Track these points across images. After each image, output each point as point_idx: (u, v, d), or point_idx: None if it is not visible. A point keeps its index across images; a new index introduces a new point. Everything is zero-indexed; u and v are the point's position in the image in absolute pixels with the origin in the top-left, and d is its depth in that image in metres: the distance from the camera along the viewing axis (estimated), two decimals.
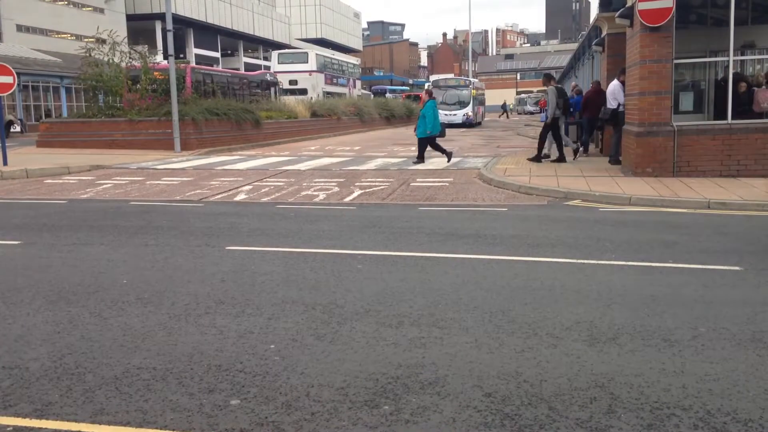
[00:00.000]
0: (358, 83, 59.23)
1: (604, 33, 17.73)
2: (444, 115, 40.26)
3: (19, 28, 44.36)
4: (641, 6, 11.59)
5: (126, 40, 27.44)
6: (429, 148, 16.58)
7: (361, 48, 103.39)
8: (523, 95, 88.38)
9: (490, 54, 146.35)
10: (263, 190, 12.13)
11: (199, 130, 22.42)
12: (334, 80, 49.89)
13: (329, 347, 4.12)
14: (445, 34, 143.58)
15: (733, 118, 11.95)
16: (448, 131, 35.55)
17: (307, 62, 45.54)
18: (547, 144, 16.10)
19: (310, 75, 44.68)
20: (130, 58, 23.62)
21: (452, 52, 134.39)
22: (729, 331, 4.34)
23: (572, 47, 52.52)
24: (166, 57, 21.67)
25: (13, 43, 42.63)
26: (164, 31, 21.77)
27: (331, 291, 5.36)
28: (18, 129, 37.08)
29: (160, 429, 3.12)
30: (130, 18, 53.78)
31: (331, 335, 4.32)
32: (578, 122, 19.02)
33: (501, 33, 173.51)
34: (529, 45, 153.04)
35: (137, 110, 22.75)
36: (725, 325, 4.45)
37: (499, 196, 11.02)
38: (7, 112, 35.24)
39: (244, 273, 5.99)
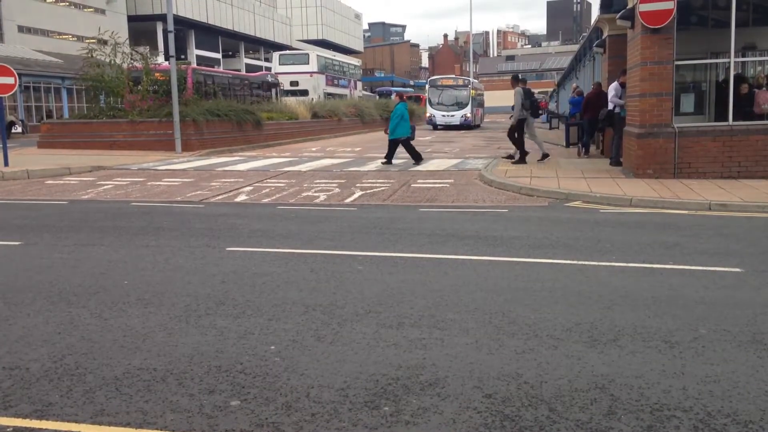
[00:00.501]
0: (359, 84, 59.25)
1: (605, 34, 17.74)
2: (441, 117, 39.48)
3: (21, 29, 44.42)
4: (642, 7, 11.59)
5: (127, 41, 27.46)
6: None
7: (362, 49, 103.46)
8: None
9: (491, 55, 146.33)
10: (264, 191, 12.13)
11: (200, 131, 22.44)
12: (335, 81, 49.90)
13: (329, 348, 4.12)
14: (446, 36, 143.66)
15: (733, 120, 11.96)
16: (447, 133, 35.36)
17: (308, 63, 45.52)
18: (526, 142, 16.44)
19: (311, 76, 44.67)
20: (131, 59, 23.64)
21: (453, 54, 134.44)
22: (729, 332, 4.34)
23: (573, 49, 52.58)
24: (167, 58, 21.67)
25: (14, 44, 42.68)
26: (165, 32, 21.74)
27: (331, 292, 5.37)
28: (19, 130, 37.10)
29: (161, 430, 3.12)
30: (132, 19, 53.87)
31: (332, 336, 4.33)
32: (579, 123, 19.06)
33: (502, 34, 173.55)
34: (530, 46, 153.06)
35: (138, 111, 22.76)
36: (726, 326, 4.45)
37: (499, 198, 11.02)
38: (8, 113, 35.28)
39: (245, 274, 5.99)
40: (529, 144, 16.56)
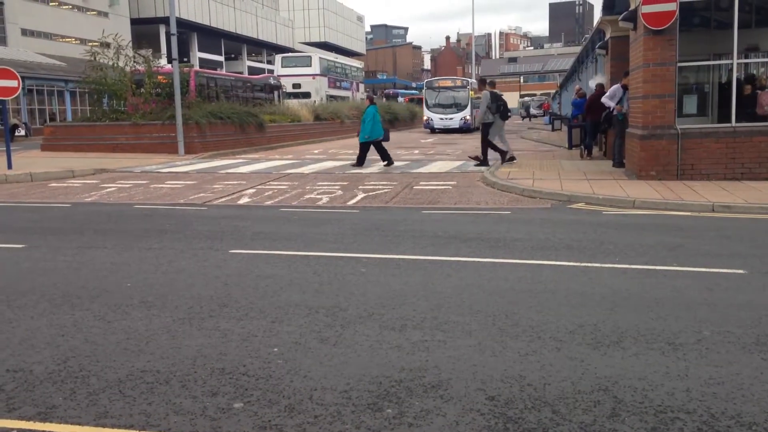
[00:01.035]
0: (362, 87, 59.31)
1: (608, 36, 17.73)
2: (439, 119, 37.64)
3: (24, 32, 44.57)
4: (645, 9, 11.59)
5: (130, 44, 27.50)
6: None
7: (364, 51, 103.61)
8: (526, 98, 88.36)
9: (494, 57, 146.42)
10: (267, 194, 12.14)
11: (202, 134, 22.47)
12: (338, 84, 49.94)
13: (332, 350, 4.12)
14: (448, 38, 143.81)
15: (737, 121, 11.94)
16: (449, 135, 34.97)
17: (311, 66, 45.54)
18: (500, 144, 16.56)
19: (314, 78, 44.69)
20: (134, 62, 23.69)
21: (455, 56, 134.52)
22: (733, 334, 4.33)
23: (576, 50, 52.50)
24: (170, 61, 21.69)
25: (17, 47, 42.83)
26: (168, 35, 21.80)
27: (334, 294, 5.37)
28: (23, 133, 37.18)
29: None
30: (134, 22, 54.01)
31: (335, 338, 4.33)
32: (581, 125, 19.05)
33: (504, 36, 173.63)
34: (532, 48, 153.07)
35: (141, 114, 22.80)
36: (729, 328, 4.44)
37: (502, 200, 11.01)
38: (11, 116, 35.36)
39: (248, 276, 6.00)
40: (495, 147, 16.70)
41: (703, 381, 3.61)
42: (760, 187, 10.89)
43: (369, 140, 16.89)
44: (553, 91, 67.40)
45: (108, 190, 13.04)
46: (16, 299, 5.36)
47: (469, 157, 17.35)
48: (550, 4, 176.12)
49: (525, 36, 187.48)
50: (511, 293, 5.36)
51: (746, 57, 13.58)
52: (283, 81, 39.66)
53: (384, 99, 60.22)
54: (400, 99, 62.59)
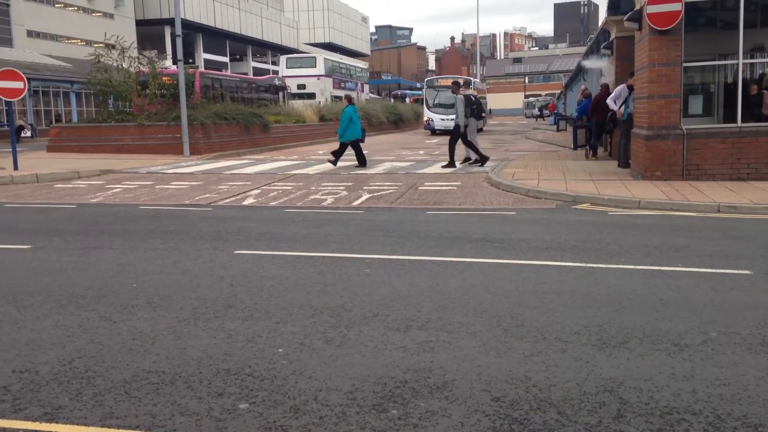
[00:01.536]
0: (366, 87, 59.34)
1: (613, 36, 17.70)
2: (440, 120, 35.83)
3: (30, 33, 44.74)
4: (650, 9, 11.56)
5: (135, 45, 27.60)
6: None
7: (369, 52, 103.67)
8: (531, 99, 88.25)
9: (498, 58, 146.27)
10: (271, 194, 12.16)
11: (207, 135, 22.51)
12: (342, 84, 49.95)
13: (337, 351, 4.12)
14: (453, 38, 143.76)
15: (742, 122, 11.89)
16: (445, 138, 34.48)
17: (315, 66, 45.54)
18: (464, 148, 16.83)
19: (318, 79, 44.70)
20: (139, 63, 23.77)
21: (460, 56, 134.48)
22: (739, 335, 4.31)
23: (580, 51, 52.40)
24: (175, 62, 21.79)
25: (23, 49, 42.99)
26: (173, 36, 21.91)
27: (339, 295, 5.37)
28: (29, 134, 37.35)
29: None
30: (140, 23, 54.15)
31: (339, 339, 4.33)
32: (587, 125, 19.02)
33: (509, 37, 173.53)
34: (537, 48, 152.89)
35: (147, 115, 22.87)
36: (735, 329, 4.43)
37: (507, 200, 11.00)
38: (17, 117, 35.49)
39: (253, 277, 6.00)
40: (460, 148, 16.88)
41: (709, 382, 3.59)
42: (766, 187, 10.85)
43: (346, 140, 17.16)
44: (558, 91, 67.28)
45: (113, 191, 13.08)
46: (22, 300, 5.38)
47: (460, 163, 17.24)
48: (555, 5, 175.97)
49: (530, 36, 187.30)
50: (516, 294, 5.35)
51: (752, 57, 13.53)
52: (288, 82, 39.68)
53: (392, 100, 60.22)
54: (408, 100, 62.61)
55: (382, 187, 12.88)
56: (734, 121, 11.99)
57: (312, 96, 42.20)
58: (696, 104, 12.81)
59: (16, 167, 16.11)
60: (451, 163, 16.46)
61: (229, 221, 9.29)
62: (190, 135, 21.29)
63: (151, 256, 6.97)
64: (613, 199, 10.26)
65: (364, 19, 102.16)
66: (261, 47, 72.29)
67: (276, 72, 50.34)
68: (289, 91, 38.44)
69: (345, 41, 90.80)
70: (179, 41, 21.33)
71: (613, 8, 16.70)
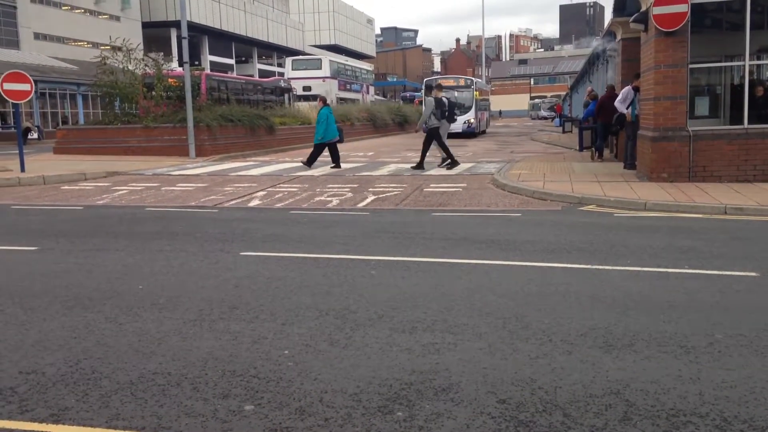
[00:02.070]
0: (372, 89, 59.36)
1: (619, 38, 17.67)
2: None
3: (36, 35, 44.94)
4: (656, 10, 11.53)
5: (141, 47, 27.70)
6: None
7: (374, 54, 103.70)
8: (536, 100, 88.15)
9: (504, 59, 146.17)
10: (277, 196, 12.18)
11: (213, 137, 22.56)
12: (348, 86, 50.01)
13: (343, 353, 4.12)
14: (458, 40, 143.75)
15: (749, 123, 11.85)
16: (454, 139, 34.36)
17: (321, 68, 45.61)
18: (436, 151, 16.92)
19: (324, 81, 44.73)
20: (145, 65, 23.84)
21: (466, 58, 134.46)
22: (746, 337, 4.30)
23: (586, 52, 52.29)
24: (181, 64, 21.82)
25: (30, 51, 43.19)
26: (179, 39, 21.93)
27: (344, 296, 5.37)
28: (35, 136, 37.48)
29: None
30: (146, 25, 54.33)
31: (345, 341, 4.33)
32: (592, 127, 18.99)
33: (515, 38, 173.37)
34: (543, 50, 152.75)
35: (153, 117, 22.92)
36: (742, 331, 4.41)
37: (512, 202, 10.98)
38: (24, 119, 35.64)
39: (258, 278, 6.01)
40: (432, 151, 16.95)
41: (716, 384, 3.58)
42: None
43: (323, 141, 17.28)
44: (564, 93, 67.19)
45: (120, 192, 13.12)
46: (28, 301, 5.40)
47: (439, 166, 17.16)
48: (561, 6, 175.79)
49: (535, 38, 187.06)
50: (522, 296, 5.34)
51: (759, 58, 13.49)
52: (294, 84, 39.73)
53: (400, 101, 60.15)
54: (414, 101, 62.63)
55: (387, 189, 12.88)
56: (741, 122, 11.96)
57: (317, 98, 42.17)
58: (702, 106, 12.77)
59: (23, 169, 16.17)
60: (420, 166, 16.49)
61: (235, 223, 9.31)
62: (196, 137, 21.34)
63: (157, 258, 6.99)
64: (619, 201, 10.23)
65: (370, 21, 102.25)
66: (267, 49, 72.41)
67: (282, 74, 50.44)
68: (294, 92, 38.48)
69: (350, 43, 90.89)
70: (185, 43, 21.38)
71: (618, 10, 16.70)
